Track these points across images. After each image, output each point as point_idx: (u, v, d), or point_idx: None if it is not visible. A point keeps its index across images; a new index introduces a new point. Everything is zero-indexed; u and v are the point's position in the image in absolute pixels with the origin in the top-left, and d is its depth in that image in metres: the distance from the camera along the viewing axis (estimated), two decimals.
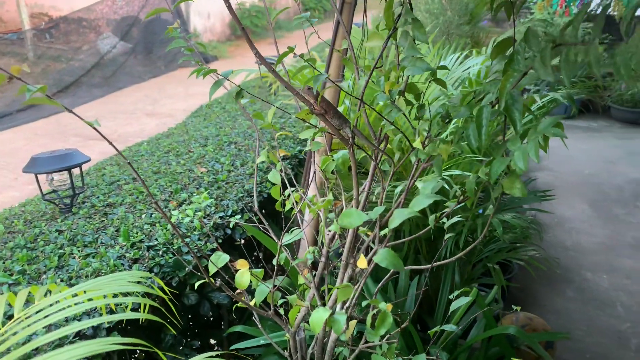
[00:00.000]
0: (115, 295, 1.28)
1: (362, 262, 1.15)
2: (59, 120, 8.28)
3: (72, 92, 9.73)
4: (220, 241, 1.99)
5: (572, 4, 7.38)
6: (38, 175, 1.99)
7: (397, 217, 1.10)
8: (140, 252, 1.77)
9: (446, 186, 1.62)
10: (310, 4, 15.25)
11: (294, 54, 1.17)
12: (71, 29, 11.68)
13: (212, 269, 1.39)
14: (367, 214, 1.17)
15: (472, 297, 2.22)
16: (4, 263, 1.68)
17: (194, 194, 2.16)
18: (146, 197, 2.15)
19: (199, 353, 2.09)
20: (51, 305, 1.12)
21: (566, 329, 3.21)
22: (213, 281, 1.30)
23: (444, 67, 1.37)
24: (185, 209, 1.96)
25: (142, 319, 1.44)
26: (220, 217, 2.03)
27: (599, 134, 6.93)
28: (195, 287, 1.60)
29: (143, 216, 2.00)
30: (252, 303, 1.45)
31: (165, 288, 1.37)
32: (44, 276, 1.62)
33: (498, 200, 1.27)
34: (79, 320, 1.41)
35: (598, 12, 0.93)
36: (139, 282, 1.23)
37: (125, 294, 1.34)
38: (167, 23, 11.10)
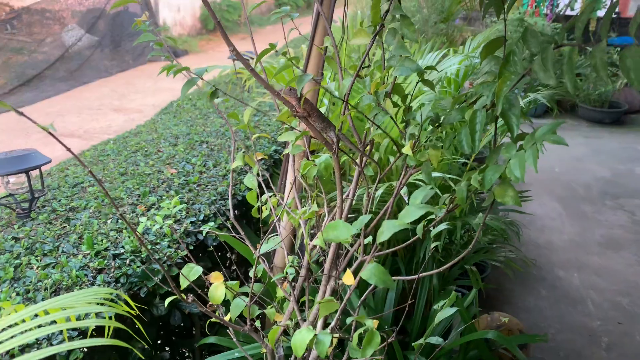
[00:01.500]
0: (77, 317, 1.17)
1: (348, 278, 1.07)
2: (20, 117, 7.94)
3: (35, 85, 9.36)
4: (191, 247, 1.88)
5: (541, 4, 7.47)
6: None
7: (387, 230, 1.02)
8: (106, 261, 1.65)
9: (439, 192, 1.55)
10: None
11: (276, 51, 1.08)
12: (34, 20, 11.24)
13: (184, 283, 1.29)
14: (351, 223, 1.09)
15: (450, 301, 2.18)
16: None
17: (164, 197, 2.04)
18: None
19: None
20: (1, 330, 1.01)
21: (539, 327, 3.22)
22: (184, 297, 1.20)
23: (432, 68, 1.30)
24: (154, 215, 1.84)
25: (108, 334, 1.32)
26: (192, 223, 1.92)
27: (567, 133, 7.04)
28: (166, 301, 1.49)
29: (109, 222, 1.87)
30: (226, 318, 1.36)
31: (132, 303, 1.26)
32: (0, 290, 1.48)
33: (489, 209, 1.21)
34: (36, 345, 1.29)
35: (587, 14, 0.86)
36: (101, 304, 1.12)
37: (87, 314, 1.22)
38: (135, 16, 10.78)
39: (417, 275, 1.30)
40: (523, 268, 3.74)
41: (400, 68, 1.16)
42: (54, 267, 1.60)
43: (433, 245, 1.35)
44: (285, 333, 1.43)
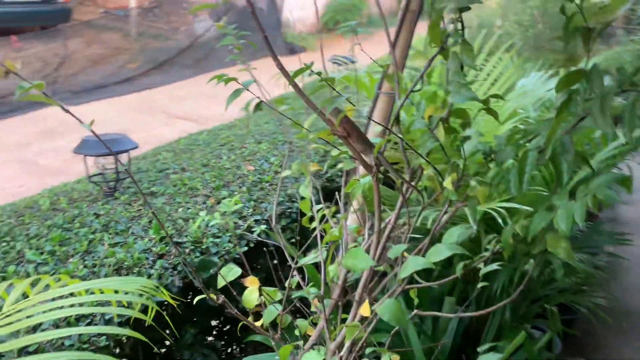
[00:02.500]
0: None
1: (365, 310, 1.03)
2: (150, 96, 8.69)
3: (165, 70, 10.16)
4: (252, 245, 1.94)
5: None
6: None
7: (410, 266, 0.97)
8: (167, 247, 1.75)
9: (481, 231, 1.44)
10: None
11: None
12: (173, 10, 12.20)
13: (222, 282, 1.33)
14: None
15: (518, 341, 2.01)
16: (37, 240, 1.73)
17: (235, 193, 2.12)
18: (188, 190, 2.14)
19: (217, 354, 2.07)
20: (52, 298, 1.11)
21: None
22: (214, 296, 1.23)
23: (498, 96, 1.21)
24: (216, 210, 1.92)
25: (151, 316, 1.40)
26: (256, 221, 1.98)
27: None
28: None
29: (180, 210, 1.98)
30: (258, 323, 1.38)
31: (171, 301, 1.32)
32: (71, 260, 1.64)
33: (540, 259, 1.10)
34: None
35: None
36: (141, 294, 1.19)
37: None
38: (261, 11, 11.28)
39: (478, 313, 1.22)
40: (618, 313, 3.36)
41: (455, 95, 1.09)
42: (121, 247, 1.72)
43: (479, 285, 1.26)
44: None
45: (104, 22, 11.39)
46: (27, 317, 0.97)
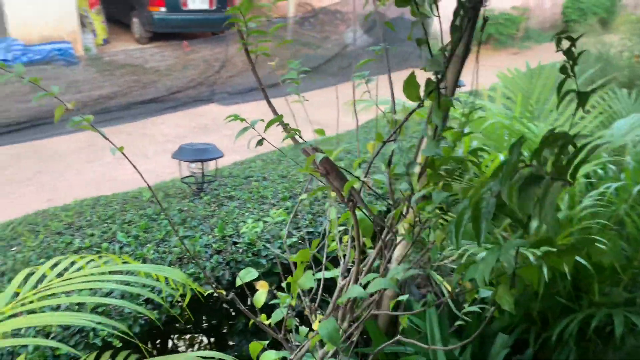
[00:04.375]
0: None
1: (315, 325, 1.20)
2: (292, 104, 9.34)
3: (309, 77, 10.83)
4: None
5: None
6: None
7: (352, 293, 1.12)
8: (225, 245, 2.07)
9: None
10: (572, 15, 13.85)
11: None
12: (327, 19, 12.92)
13: (239, 282, 1.59)
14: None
15: None
16: (129, 226, 2.16)
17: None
18: (259, 197, 2.44)
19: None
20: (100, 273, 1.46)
21: None
22: (224, 293, 1.50)
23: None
24: (264, 221, 2.18)
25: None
26: (309, 232, 2.20)
27: None
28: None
29: (246, 214, 2.29)
30: (267, 322, 1.61)
31: (199, 291, 1.61)
32: (148, 245, 2.03)
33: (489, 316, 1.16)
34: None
35: None
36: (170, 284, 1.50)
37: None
38: (407, 24, 11.39)
39: None
40: None
41: (427, 150, 1.21)
42: (188, 239, 2.08)
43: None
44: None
45: (265, 29, 12.51)
46: (87, 281, 1.32)
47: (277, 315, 1.59)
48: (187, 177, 2.52)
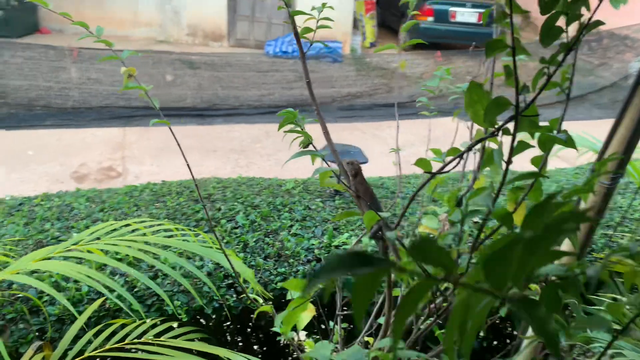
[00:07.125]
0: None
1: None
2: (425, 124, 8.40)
3: (572, 105, 9.64)
4: None
5: None
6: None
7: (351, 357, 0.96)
8: (326, 252, 2.02)
9: None
10: None
11: None
12: (611, 45, 11.29)
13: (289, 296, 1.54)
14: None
15: None
16: (252, 209, 2.27)
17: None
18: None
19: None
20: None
21: None
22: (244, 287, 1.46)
23: None
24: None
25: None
26: None
27: None
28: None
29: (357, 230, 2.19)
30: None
31: (265, 295, 1.61)
32: (256, 233, 2.11)
33: None
34: None
35: None
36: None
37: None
38: None
39: None
40: None
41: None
42: (295, 238, 2.08)
43: None
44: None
45: (531, 50, 11.60)
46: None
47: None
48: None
